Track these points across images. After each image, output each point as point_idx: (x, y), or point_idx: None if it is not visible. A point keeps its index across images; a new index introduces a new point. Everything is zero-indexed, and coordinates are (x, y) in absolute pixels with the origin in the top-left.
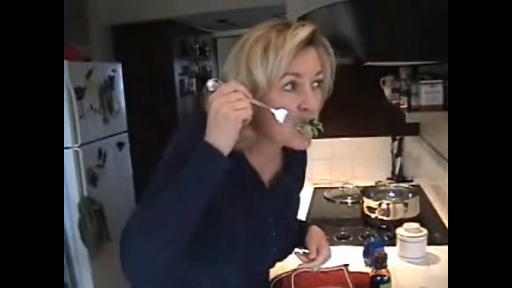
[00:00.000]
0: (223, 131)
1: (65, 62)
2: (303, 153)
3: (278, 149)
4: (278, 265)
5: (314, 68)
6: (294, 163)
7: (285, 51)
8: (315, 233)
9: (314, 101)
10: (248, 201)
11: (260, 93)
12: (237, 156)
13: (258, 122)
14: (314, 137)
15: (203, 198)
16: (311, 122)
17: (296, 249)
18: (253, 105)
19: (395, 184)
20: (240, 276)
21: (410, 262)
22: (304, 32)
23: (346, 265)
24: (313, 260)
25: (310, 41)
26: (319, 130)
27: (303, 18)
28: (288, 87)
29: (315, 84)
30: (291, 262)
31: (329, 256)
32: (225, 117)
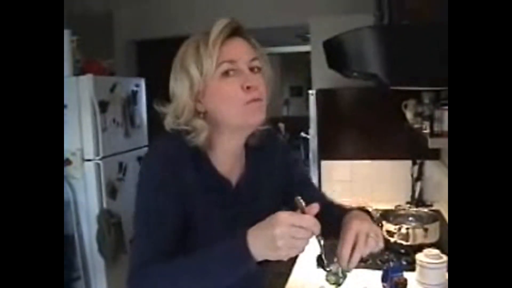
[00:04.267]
0: (266, 251)
1: (91, 75)
2: (274, 144)
3: (240, 146)
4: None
5: (247, 54)
6: (263, 159)
7: (210, 44)
8: (350, 224)
9: (256, 81)
10: (217, 200)
11: (196, 87)
12: (201, 158)
13: (209, 111)
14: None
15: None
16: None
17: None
18: (207, 89)
19: (415, 209)
20: None
21: None
22: (220, 24)
23: None
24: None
25: (235, 33)
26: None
27: (329, 42)
28: (227, 72)
29: (255, 69)
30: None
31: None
32: (278, 248)
